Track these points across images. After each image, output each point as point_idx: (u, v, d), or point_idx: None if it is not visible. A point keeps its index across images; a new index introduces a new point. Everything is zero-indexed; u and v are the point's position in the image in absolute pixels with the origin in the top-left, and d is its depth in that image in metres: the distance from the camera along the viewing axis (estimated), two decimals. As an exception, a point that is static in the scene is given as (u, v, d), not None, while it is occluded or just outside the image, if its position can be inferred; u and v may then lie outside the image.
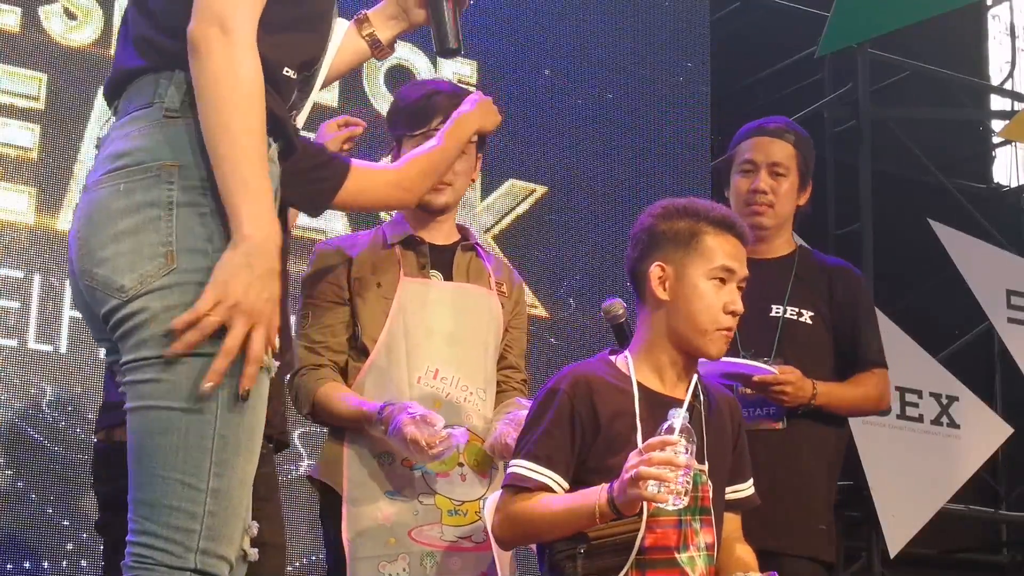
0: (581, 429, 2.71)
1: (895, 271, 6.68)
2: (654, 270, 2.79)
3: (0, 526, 4.24)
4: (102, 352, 2.44)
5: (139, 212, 1.95)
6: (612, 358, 2.85)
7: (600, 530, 2.64)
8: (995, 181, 7.93)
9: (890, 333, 5.89)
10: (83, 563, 4.23)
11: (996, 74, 7.95)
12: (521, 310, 3.36)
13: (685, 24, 5.90)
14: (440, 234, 3.25)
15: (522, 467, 2.71)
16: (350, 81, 5.08)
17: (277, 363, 1.99)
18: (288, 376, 3.11)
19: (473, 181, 3.38)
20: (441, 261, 3.22)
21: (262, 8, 2.01)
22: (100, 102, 4.58)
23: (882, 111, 6.80)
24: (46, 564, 4.24)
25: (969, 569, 7.19)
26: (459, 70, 5.33)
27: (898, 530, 6.00)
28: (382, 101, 5.10)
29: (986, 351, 7.10)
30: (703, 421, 2.78)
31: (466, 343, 3.17)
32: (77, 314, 3.97)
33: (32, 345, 4.41)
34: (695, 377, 2.83)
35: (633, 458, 2.54)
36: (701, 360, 2.85)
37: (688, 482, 2.52)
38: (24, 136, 4.54)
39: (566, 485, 2.70)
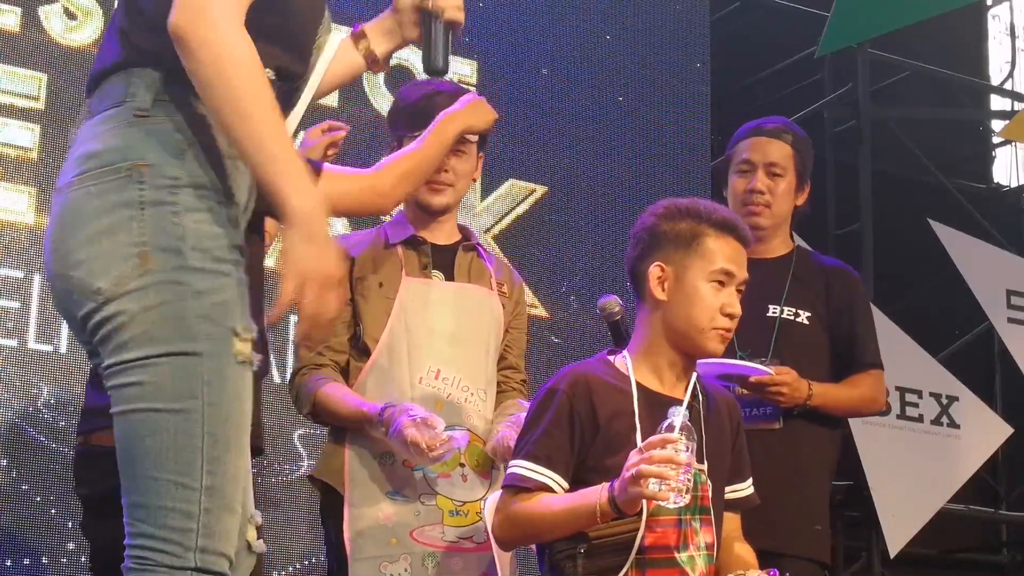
0: (580, 429, 2.71)
1: (895, 271, 6.68)
2: (653, 270, 2.79)
3: (0, 525, 4.24)
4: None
5: (111, 213, 1.94)
6: (611, 358, 2.85)
7: (600, 530, 2.64)
8: (995, 181, 7.93)
9: (890, 333, 5.90)
10: (83, 559, 4.23)
11: (996, 74, 7.95)
12: (521, 310, 3.36)
13: (685, 24, 5.90)
14: (442, 234, 3.25)
15: (522, 467, 2.71)
16: (350, 81, 5.08)
17: (259, 357, 1.99)
18: (289, 376, 3.11)
19: (475, 181, 3.38)
20: (443, 261, 3.22)
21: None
22: (100, 102, 4.57)
23: (882, 111, 6.80)
24: (44, 559, 4.25)
25: (969, 569, 7.19)
26: (459, 70, 5.32)
27: (898, 530, 6.00)
28: (382, 101, 5.10)
29: (986, 351, 7.10)
30: (702, 421, 2.78)
31: (467, 343, 3.17)
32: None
33: (32, 345, 4.41)
34: (693, 376, 2.83)
35: (634, 456, 2.54)
36: (698, 361, 2.85)
37: (689, 480, 2.52)
38: (24, 136, 4.54)
39: (566, 485, 2.70)
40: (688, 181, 5.69)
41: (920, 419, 6.26)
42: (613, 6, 5.74)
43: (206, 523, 1.91)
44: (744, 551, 2.86)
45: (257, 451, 3.13)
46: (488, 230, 5.28)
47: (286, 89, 2.16)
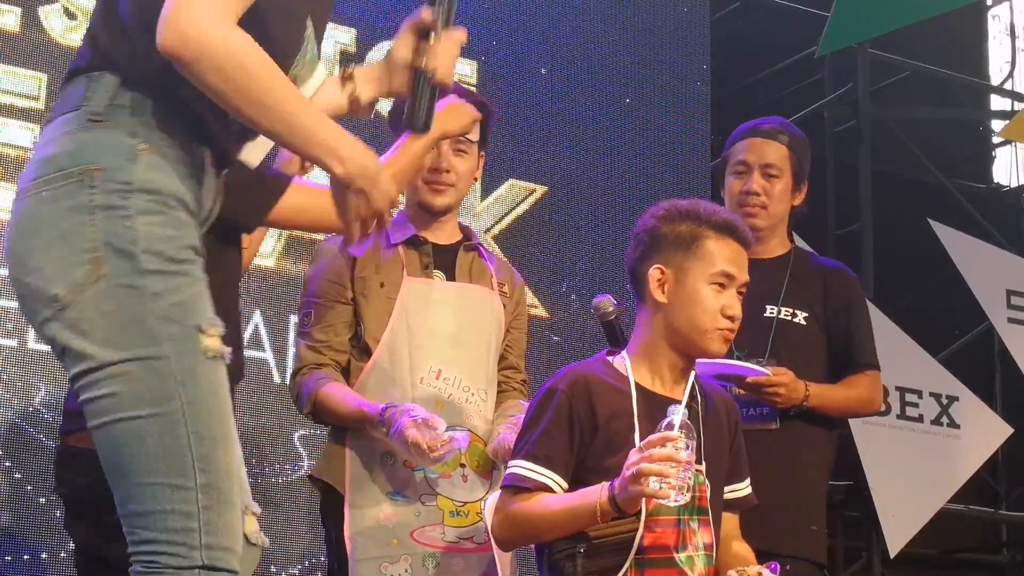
0: (580, 429, 2.71)
1: (895, 271, 6.68)
2: (653, 272, 2.79)
3: (1, 525, 4.24)
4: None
5: (64, 219, 1.93)
6: (610, 358, 2.85)
7: (599, 529, 2.64)
8: (995, 181, 7.93)
9: (890, 333, 5.90)
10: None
11: (996, 74, 7.95)
12: (522, 311, 3.36)
13: (685, 24, 5.90)
14: (443, 234, 3.25)
15: (521, 467, 2.71)
16: (351, 81, 5.07)
17: (229, 350, 1.98)
18: (290, 375, 3.10)
19: (476, 180, 3.38)
20: (444, 261, 3.22)
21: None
22: (100, 102, 4.57)
23: (882, 111, 6.80)
24: (44, 555, 4.25)
25: (969, 569, 7.19)
26: (459, 70, 5.30)
27: (898, 530, 6.00)
28: (382, 101, 5.09)
29: (986, 351, 7.10)
30: (700, 421, 2.78)
31: (469, 344, 3.17)
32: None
33: (32, 345, 4.40)
34: (692, 376, 2.83)
35: (634, 455, 2.54)
36: (696, 361, 2.85)
37: (689, 478, 2.52)
38: (24, 136, 4.54)
39: (565, 485, 2.70)
40: (688, 181, 5.69)
41: (920, 419, 6.26)
42: (613, 6, 5.74)
43: (207, 520, 1.91)
44: (743, 550, 2.86)
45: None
46: (488, 230, 5.28)
47: None
